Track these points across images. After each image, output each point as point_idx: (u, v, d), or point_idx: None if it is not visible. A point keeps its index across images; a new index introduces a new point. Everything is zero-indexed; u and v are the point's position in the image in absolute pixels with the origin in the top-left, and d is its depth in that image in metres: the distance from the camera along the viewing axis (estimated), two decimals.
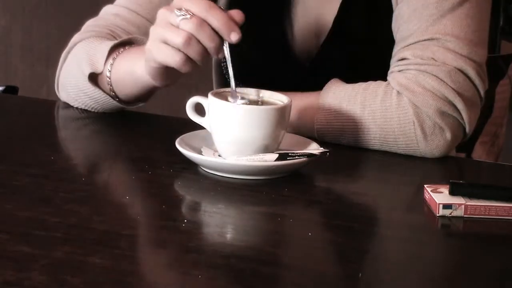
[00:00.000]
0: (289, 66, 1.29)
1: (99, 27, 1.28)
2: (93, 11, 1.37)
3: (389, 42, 1.19)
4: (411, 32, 1.15)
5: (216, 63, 1.38)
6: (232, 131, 1.01)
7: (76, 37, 1.28)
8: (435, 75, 1.11)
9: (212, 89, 1.20)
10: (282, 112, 1.02)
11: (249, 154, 1.00)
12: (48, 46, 3.13)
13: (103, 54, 1.18)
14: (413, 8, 1.15)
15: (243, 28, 1.19)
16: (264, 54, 1.31)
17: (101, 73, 1.19)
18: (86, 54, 1.21)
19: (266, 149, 1.01)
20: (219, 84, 1.40)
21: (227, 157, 1.01)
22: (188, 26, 0.99)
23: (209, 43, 1.00)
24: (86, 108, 1.24)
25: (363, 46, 1.25)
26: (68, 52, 1.27)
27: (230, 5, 1.31)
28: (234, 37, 1.00)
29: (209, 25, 0.99)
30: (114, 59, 1.18)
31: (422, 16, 1.14)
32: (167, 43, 1.01)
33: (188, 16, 0.99)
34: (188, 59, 1.01)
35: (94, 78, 1.20)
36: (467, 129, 1.13)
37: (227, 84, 1.35)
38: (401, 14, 1.17)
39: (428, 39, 1.13)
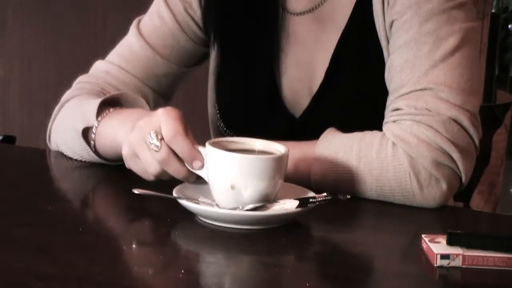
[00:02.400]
0: (280, 117, 1.30)
1: (90, 84, 1.30)
2: (92, 60, 1.38)
3: (382, 93, 1.20)
4: (404, 82, 1.15)
5: (212, 119, 1.39)
6: (230, 180, 1.01)
7: (67, 94, 1.30)
8: (429, 125, 1.11)
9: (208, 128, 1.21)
10: (280, 161, 1.02)
11: (247, 203, 1.00)
12: (47, 94, 3.15)
13: (93, 111, 1.20)
14: (405, 59, 1.16)
15: (234, 75, 1.21)
16: (256, 104, 1.32)
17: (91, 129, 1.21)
18: (78, 111, 1.23)
19: (264, 199, 1.01)
20: (215, 132, 1.40)
21: (225, 206, 1.01)
22: (157, 158, 1.04)
23: (176, 175, 1.06)
24: (75, 158, 1.25)
25: (355, 98, 1.26)
26: (60, 108, 1.29)
27: (221, 53, 1.33)
28: (196, 165, 1.04)
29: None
30: (99, 122, 1.19)
31: (415, 66, 1.15)
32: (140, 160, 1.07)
33: (159, 144, 1.04)
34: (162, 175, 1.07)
35: (84, 134, 1.21)
36: (463, 179, 1.13)
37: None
38: (393, 65, 1.18)
39: (421, 89, 1.14)
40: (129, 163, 1.09)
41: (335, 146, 1.14)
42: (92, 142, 1.20)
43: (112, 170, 1.22)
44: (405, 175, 1.10)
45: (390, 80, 1.18)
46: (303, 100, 1.28)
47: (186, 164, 1.04)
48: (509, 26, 5.01)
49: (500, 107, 1.62)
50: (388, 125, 1.15)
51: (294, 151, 1.13)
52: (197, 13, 1.33)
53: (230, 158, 1.01)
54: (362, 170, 1.12)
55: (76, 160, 1.25)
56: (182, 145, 1.04)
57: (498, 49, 3.18)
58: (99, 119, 1.19)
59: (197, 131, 1.19)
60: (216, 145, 1.04)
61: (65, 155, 1.27)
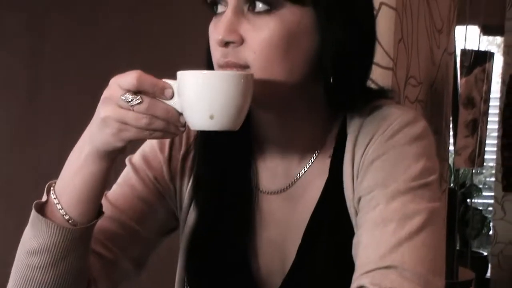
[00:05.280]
0: None
1: None
2: None
3: (353, 270, 1.18)
4: (369, 259, 1.13)
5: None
6: (204, 102, 1.03)
7: None
8: None
9: None
10: (248, 80, 1.06)
11: (223, 123, 1.04)
12: (6, 246, 3.10)
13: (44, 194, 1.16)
14: (371, 236, 1.14)
15: (207, 254, 1.19)
16: (228, 284, 1.28)
17: (48, 210, 1.15)
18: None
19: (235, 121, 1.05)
20: None
21: (200, 128, 1.06)
22: (145, 107, 1.05)
23: (166, 115, 1.06)
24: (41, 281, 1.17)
25: (328, 275, 1.24)
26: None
27: (192, 232, 1.30)
28: (168, 93, 1.06)
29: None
30: (53, 187, 1.16)
31: (380, 243, 1.13)
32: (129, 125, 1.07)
33: (137, 97, 1.05)
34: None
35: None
36: None
37: None
38: (360, 241, 1.16)
39: (386, 267, 1.11)
40: (122, 136, 1.08)
41: None
42: (56, 204, 1.14)
43: None
44: None
45: (356, 256, 1.17)
46: (276, 280, 1.26)
47: (160, 99, 1.06)
48: (468, 201, 5.09)
49: (462, 285, 1.63)
50: None
51: None
52: (165, 188, 1.32)
53: (204, 76, 1.04)
54: None
55: None
56: (148, 80, 1.05)
57: (457, 224, 3.22)
58: (52, 189, 1.16)
59: None
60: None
61: None
